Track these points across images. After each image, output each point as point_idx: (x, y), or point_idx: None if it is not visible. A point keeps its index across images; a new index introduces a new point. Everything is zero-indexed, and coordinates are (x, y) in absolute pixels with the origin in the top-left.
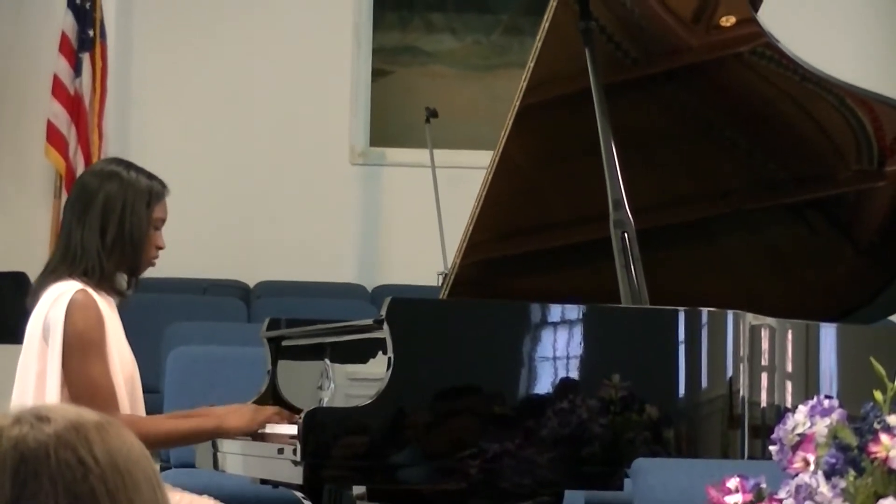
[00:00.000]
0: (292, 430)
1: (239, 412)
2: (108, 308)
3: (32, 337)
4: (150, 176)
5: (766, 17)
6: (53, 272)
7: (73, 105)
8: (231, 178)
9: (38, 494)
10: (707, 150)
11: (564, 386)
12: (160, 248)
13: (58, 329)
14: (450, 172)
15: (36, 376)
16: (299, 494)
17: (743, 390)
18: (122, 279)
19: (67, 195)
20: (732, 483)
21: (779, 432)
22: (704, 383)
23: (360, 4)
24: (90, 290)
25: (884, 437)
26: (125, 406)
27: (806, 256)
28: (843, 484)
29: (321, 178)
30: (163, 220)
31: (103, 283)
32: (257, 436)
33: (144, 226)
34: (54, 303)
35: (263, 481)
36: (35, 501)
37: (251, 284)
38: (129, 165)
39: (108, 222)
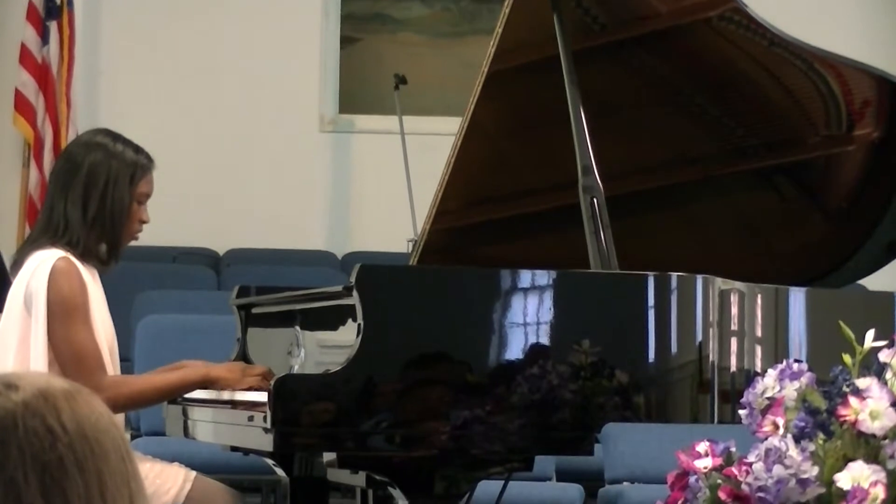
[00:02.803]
0: (262, 396)
1: (227, 365)
2: (90, 277)
3: (13, 306)
4: (137, 149)
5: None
6: (35, 242)
7: (41, 73)
8: (200, 146)
9: (6, 463)
10: (676, 117)
11: (534, 352)
12: (144, 222)
13: (41, 297)
14: (419, 139)
15: (16, 346)
16: (270, 461)
17: (712, 355)
18: (105, 250)
19: (38, 162)
20: (702, 447)
21: (748, 396)
22: (674, 348)
23: None
24: (72, 258)
25: (853, 401)
26: (111, 371)
27: (775, 222)
28: (812, 447)
29: (291, 146)
30: (147, 195)
31: (87, 254)
32: (227, 403)
33: (126, 202)
34: (35, 271)
35: (234, 448)
36: (3, 470)
37: (221, 252)
38: (117, 137)
39: (90, 197)
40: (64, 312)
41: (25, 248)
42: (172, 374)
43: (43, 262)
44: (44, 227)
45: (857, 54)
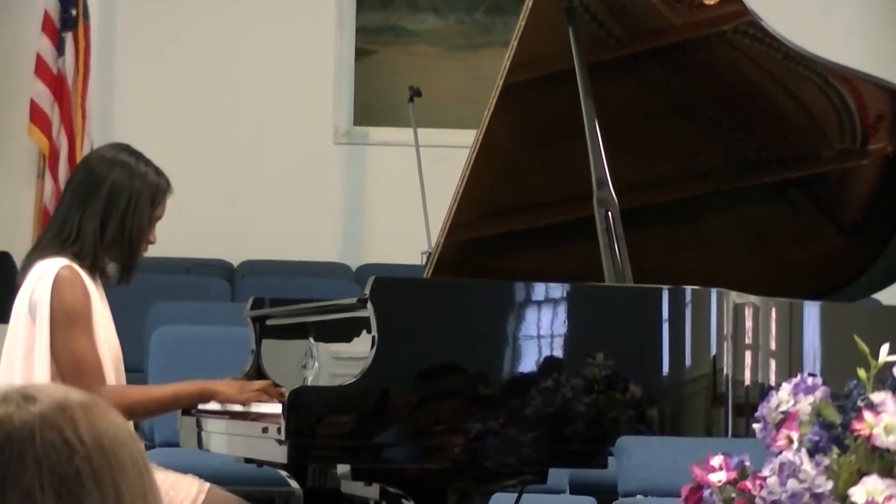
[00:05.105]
0: (276, 408)
1: (228, 382)
2: (95, 291)
3: (19, 314)
4: (158, 172)
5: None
6: (44, 250)
7: (56, 85)
8: (215, 157)
9: (23, 475)
10: (690, 130)
11: (548, 365)
12: (152, 242)
13: (44, 305)
14: (434, 151)
15: (23, 354)
16: (284, 473)
17: (727, 369)
18: (116, 269)
19: (53, 172)
20: (716, 461)
21: (762, 410)
22: (688, 362)
23: None
24: (76, 267)
25: (867, 415)
26: (111, 382)
27: (789, 236)
28: (826, 461)
29: (305, 158)
30: (160, 217)
31: (94, 268)
32: (241, 414)
33: (146, 223)
34: (40, 279)
35: (248, 460)
36: (20, 482)
37: (235, 264)
38: (139, 157)
39: (111, 215)
40: (66, 321)
41: (32, 256)
42: (169, 387)
43: (47, 271)
44: (54, 236)
45: (857, 62)
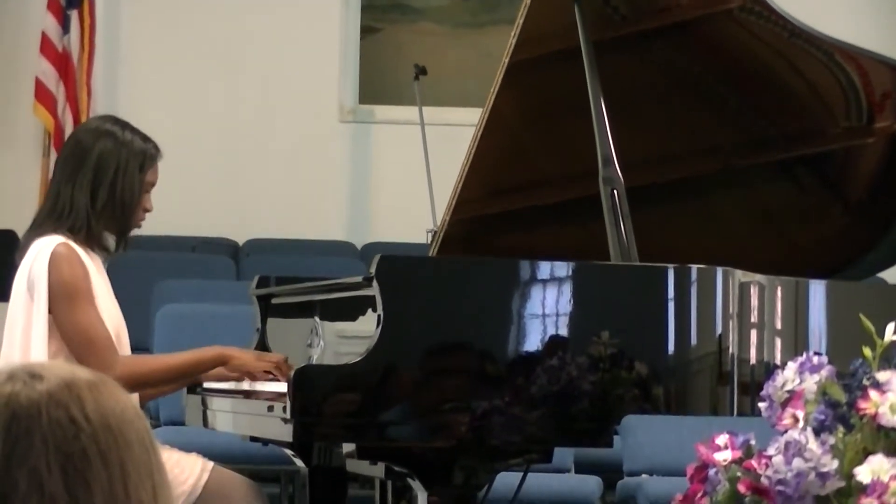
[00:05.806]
0: (282, 387)
1: (243, 351)
2: (92, 265)
3: (18, 292)
4: (145, 138)
5: None
6: (40, 227)
7: (62, 62)
8: (220, 135)
9: (30, 453)
10: (696, 108)
11: (554, 343)
12: (148, 210)
13: (42, 282)
14: (439, 130)
15: (21, 332)
16: (289, 452)
17: (732, 347)
18: (110, 238)
19: (59, 151)
20: (722, 440)
21: (768, 389)
22: (694, 340)
23: None
24: (72, 244)
25: (873, 394)
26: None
27: (795, 214)
28: (832, 440)
29: (310, 136)
30: (152, 184)
31: (90, 240)
32: (247, 393)
33: (136, 189)
34: (37, 257)
35: (253, 439)
36: (26, 460)
37: (240, 242)
38: (125, 126)
39: (100, 183)
40: (67, 296)
41: (30, 234)
42: (186, 353)
43: (44, 248)
44: (49, 212)
45: (863, 41)
